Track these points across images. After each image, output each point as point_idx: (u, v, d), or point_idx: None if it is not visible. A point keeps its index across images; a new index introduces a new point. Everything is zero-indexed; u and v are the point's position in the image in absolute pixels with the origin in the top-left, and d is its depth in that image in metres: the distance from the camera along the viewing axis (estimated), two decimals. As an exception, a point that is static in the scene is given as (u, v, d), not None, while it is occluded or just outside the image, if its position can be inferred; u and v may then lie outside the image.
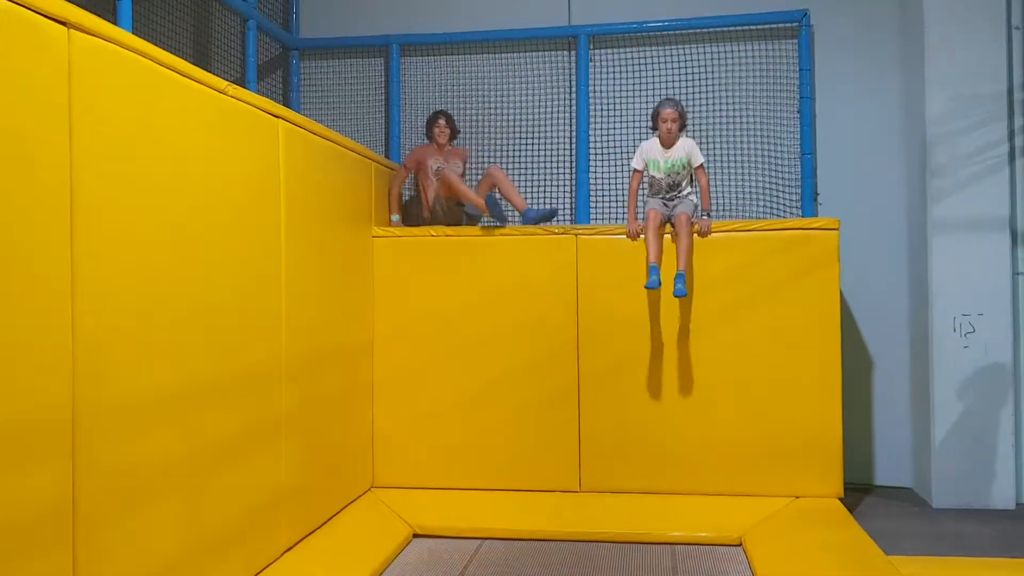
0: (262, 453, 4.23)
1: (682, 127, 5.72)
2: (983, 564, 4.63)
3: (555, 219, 6.00)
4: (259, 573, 4.14)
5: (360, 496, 5.66)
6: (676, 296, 5.40)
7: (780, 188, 6.37)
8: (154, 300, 3.32)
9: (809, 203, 6.17)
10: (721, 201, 6.40)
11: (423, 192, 6.28)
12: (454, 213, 6.23)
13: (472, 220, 6.28)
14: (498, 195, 6.11)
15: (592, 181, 6.54)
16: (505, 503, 5.61)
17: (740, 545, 5.11)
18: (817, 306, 5.51)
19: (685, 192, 5.71)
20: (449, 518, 5.43)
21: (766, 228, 5.60)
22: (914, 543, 5.15)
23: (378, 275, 5.90)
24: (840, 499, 5.54)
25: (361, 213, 5.73)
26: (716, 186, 6.35)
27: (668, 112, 5.62)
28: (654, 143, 5.73)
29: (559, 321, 5.74)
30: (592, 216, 6.51)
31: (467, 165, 6.45)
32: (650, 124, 5.83)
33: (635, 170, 5.79)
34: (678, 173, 5.69)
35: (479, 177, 6.42)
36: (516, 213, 6.08)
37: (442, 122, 6.26)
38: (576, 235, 5.78)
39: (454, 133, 6.36)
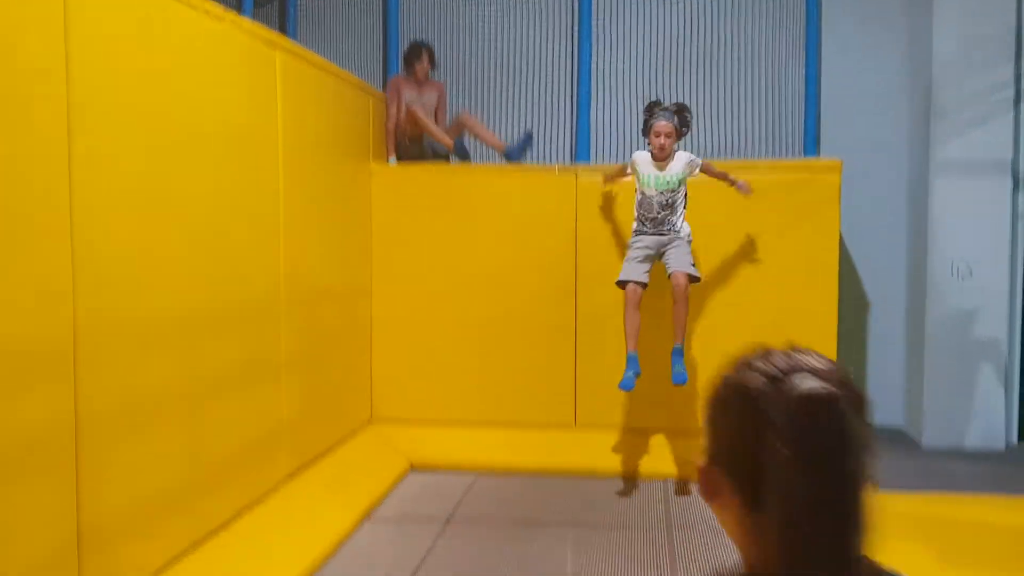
0: (262, 384, 4.26)
1: (679, 138, 5.03)
2: (958, 500, 4.72)
3: (531, 147, 5.93)
4: (259, 500, 4.20)
5: (359, 429, 5.73)
6: (676, 383, 4.85)
7: (783, 128, 6.33)
8: (151, 227, 3.31)
9: (812, 143, 6.13)
10: (723, 140, 6.36)
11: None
12: (416, 148, 6.16)
13: (439, 158, 6.22)
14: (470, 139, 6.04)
15: (593, 118, 6.48)
16: (501, 438, 5.68)
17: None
18: (816, 247, 5.52)
19: (679, 219, 4.98)
20: (446, 452, 5.51)
21: (768, 168, 5.57)
22: (900, 480, 5.22)
23: (376, 211, 5.88)
24: (832, 438, 5.60)
25: (359, 148, 5.69)
26: (719, 125, 6.28)
27: (662, 126, 4.86)
28: (645, 156, 5.00)
29: (558, 259, 5.74)
30: (592, 154, 6.47)
31: (447, 99, 6.36)
32: (641, 130, 5.07)
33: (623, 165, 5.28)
34: (673, 191, 4.92)
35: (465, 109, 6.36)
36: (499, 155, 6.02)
37: (425, 58, 6.14)
38: (576, 173, 5.76)
39: (433, 68, 6.28)
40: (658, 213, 4.92)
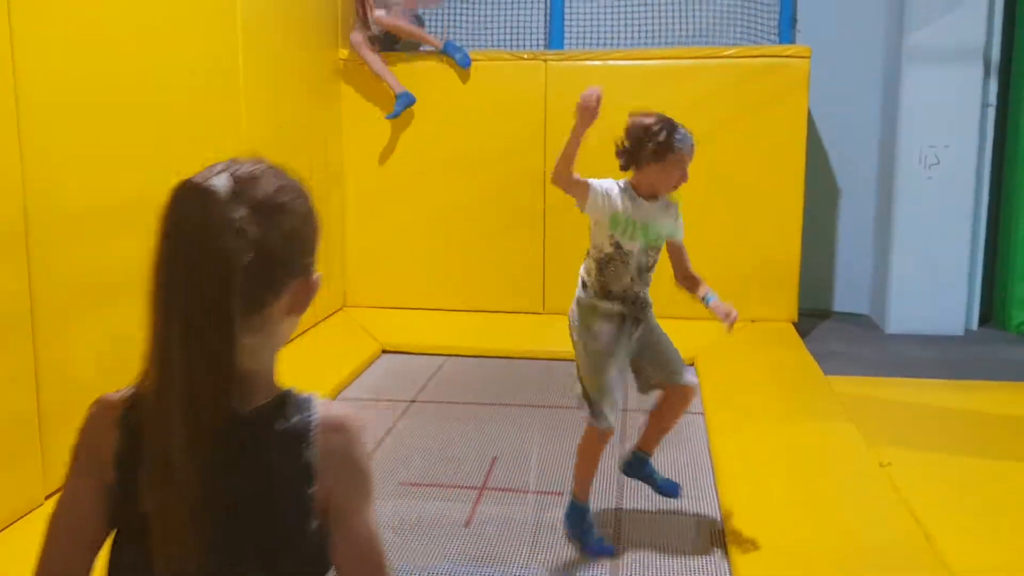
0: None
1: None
2: (913, 384, 4.88)
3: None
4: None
5: (332, 314, 5.88)
6: (673, 495, 3.37)
7: (757, 12, 6.24)
8: (103, 110, 3.36)
9: (787, 29, 6.06)
10: (695, 25, 6.27)
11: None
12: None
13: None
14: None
15: (567, 1, 6.37)
16: (471, 323, 5.83)
17: (692, 364, 5.35)
18: (784, 135, 5.54)
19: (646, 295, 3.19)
20: (416, 336, 5.66)
21: (736, 56, 5.55)
22: (863, 366, 5.39)
23: (346, 99, 5.89)
24: (794, 323, 5.76)
25: (325, 34, 5.65)
26: (691, 9, 6.17)
27: (687, 155, 3.10)
28: (625, 190, 3.10)
29: (527, 147, 5.76)
30: (567, 42, 6.39)
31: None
32: (627, 146, 3.14)
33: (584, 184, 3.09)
34: (657, 250, 3.18)
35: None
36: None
37: None
38: (545, 61, 5.73)
39: None
40: (636, 277, 3.11)
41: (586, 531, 3.10)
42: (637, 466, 3.34)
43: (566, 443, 4.02)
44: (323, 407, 1.06)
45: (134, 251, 3.49)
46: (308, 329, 5.41)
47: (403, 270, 6.01)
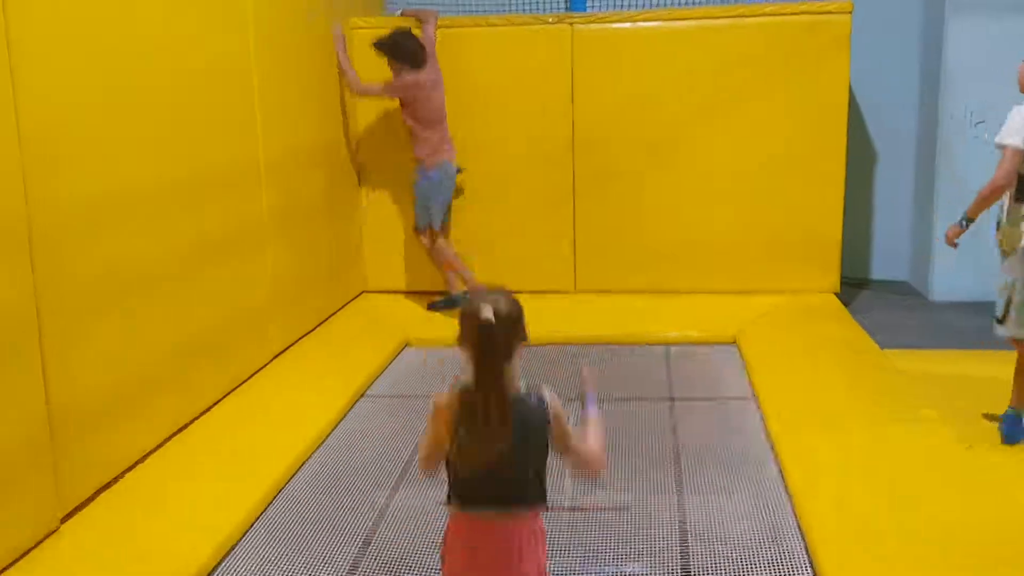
0: (246, 256, 4.08)
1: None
2: (977, 356, 4.61)
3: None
4: (248, 378, 4.09)
5: (352, 300, 5.58)
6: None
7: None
8: (107, 98, 3.05)
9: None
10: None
11: None
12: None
13: None
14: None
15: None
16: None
17: (734, 343, 5.07)
18: (824, 98, 5.24)
19: None
20: (441, 326, 5.33)
21: (774, 13, 5.22)
22: (912, 336, 5.13)
23: (360, 68, 5.54)
24: (836, 294, 5.48)
25: (338, 4, 5.30)
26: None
27: None
28: None
29: (554, 119, 5.45)
30: (590, 4, 6.04)
31: None
32: None
33: (1016, 149, 3.45)
34: None
35: None
36: None
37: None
38: (572, 24, 5.39)
39: None
40: None
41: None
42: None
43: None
44: (547, 394, 2.01)
45: (147, 246, 3.23)
46: (327, 319, 5.12)
47: (421, 253, 5.71)
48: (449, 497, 2.03)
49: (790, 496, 3.16)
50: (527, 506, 2.02)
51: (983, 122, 5.60)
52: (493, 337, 1.88)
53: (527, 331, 2.02)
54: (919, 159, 6.12)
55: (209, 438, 3.53)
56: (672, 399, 4.36)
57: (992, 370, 4.07)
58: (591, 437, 2.11)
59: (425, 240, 5.35)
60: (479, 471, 1.95)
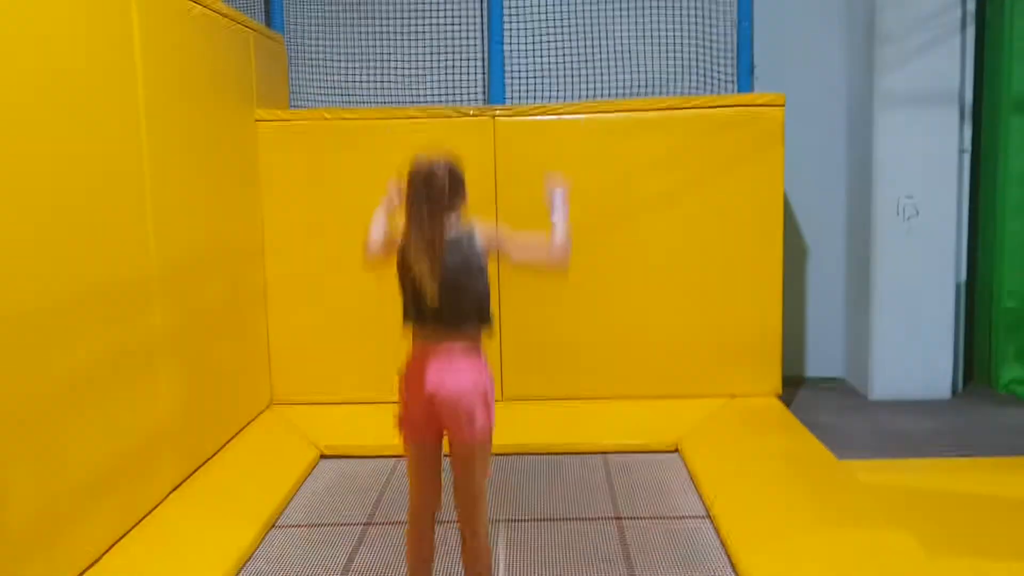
0: (133, 382, 3.54)
1: None
2: (939, 465, 4.39)
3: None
4: (137, 524, 3.51)
5: (258, 416, 5.04)
6: None
7: (714, 60, 5.76)
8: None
9: (746, 77, 5.60)
10: (649, 76, 5.75)
11: None
12: None
13: None
14: None
15: (508, 54, 5.79)
16: (421, 416, 5.07)
17: (676, 451, 4.74)
18: (759, 192, 5.04)
19: None
20: (358, 436, 4.87)
21: (704, 105, 5.03)
22: (861, 442, 4.90)
23: (264, 165, 5.12)
24: (778, 396, 5.22)
25: (241, 93, 4.90)
26: (644, 59, 5.66)
27: None
28: None
29: (476, 210, 5.08)
30: (508, 96, 5.80)
31: None
32: None
33: None
34: None
35: None
36: None
37: None
38: (493, 116, 5.10)
39: None
40: None
41: None
42: None
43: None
44: (477, 226, 2.66)
45: (11, 378, 2.70)
46: (231, 439, 4.58)
47: (336, 359, 5.23)
48: (404, 323, 2.73)
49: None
50: (471, 327, 2.60)
51: (916, 215, 5.51)
52: (439, 184, 2.45)
53: (467, 194, 2.61)
54: (851, 252, 5.99)
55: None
56: (619, 518, 3.96)
57: (950, 481, 3.81)
58: (556, 236, 2.69)
59: None
60: (424, 302, 2.58)
